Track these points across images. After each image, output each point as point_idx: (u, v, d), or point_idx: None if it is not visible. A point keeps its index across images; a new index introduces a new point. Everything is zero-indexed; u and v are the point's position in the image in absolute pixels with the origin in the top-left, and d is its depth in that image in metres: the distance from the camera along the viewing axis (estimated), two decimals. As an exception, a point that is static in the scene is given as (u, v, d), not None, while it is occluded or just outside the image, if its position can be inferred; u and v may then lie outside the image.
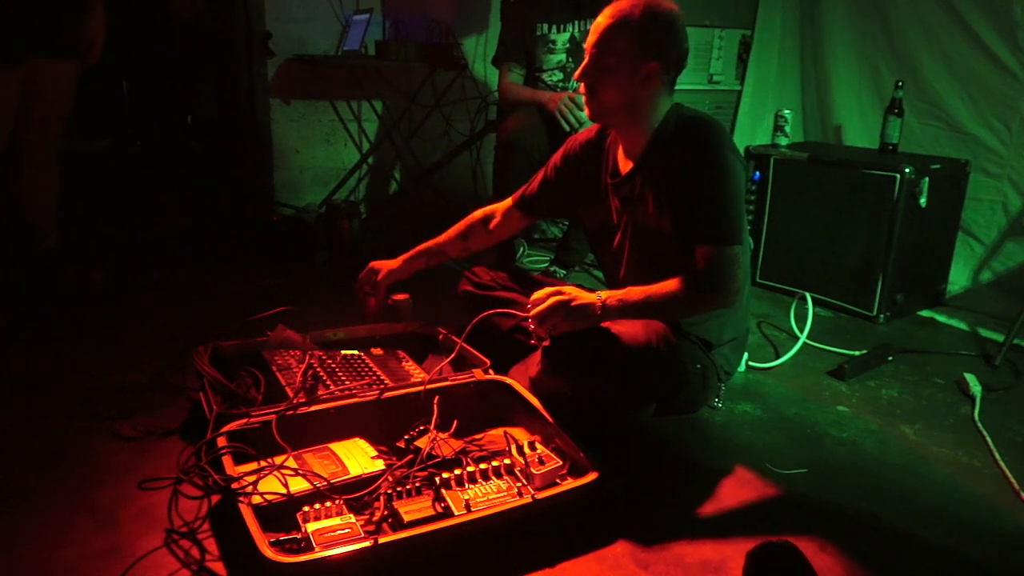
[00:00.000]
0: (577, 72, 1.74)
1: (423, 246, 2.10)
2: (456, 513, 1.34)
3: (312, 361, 1.79)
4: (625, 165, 1.81)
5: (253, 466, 1.43)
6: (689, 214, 1.65)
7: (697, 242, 1.63)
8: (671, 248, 1.70)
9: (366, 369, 1.85)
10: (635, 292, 1.64)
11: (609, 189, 1.85)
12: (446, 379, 1.77)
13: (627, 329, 1.71)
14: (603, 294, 1.63)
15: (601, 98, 1.71)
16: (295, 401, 1.60)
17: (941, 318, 2.79)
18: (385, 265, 2.10)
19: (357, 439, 1.58)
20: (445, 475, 1.42)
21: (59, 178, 2.61)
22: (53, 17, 2.38)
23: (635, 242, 1.81)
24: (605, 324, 1.69)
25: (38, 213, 2.58)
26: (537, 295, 1.64)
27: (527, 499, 1.39)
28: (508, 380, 1.77)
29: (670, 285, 1.63)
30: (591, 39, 1.70)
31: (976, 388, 2.11)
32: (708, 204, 1.63)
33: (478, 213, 2.10)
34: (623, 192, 1.81)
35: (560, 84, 2.90)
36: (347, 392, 1.68)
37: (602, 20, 1.69)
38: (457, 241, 2.09)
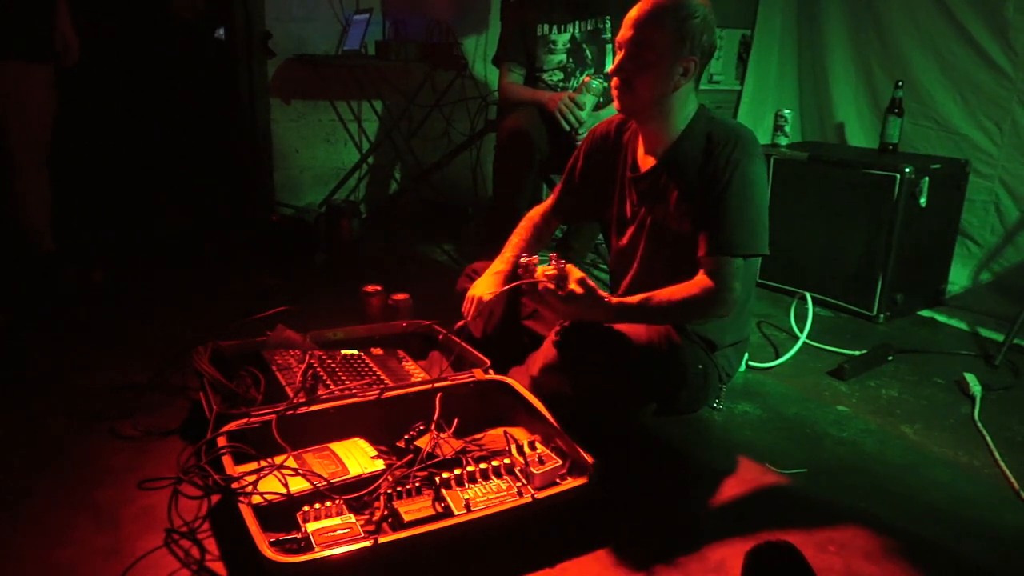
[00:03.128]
0: (612, 67, 1.71)
1: (511, 261, 1.96)
2: (456, 513, 1.34)
3: (312, 361, 1.79)
4: (646, 161, 1.79)
5: (253, 466, 1.43)
6: (711, 225, 1.65)
7: (712, 252, 1.63)
8: (688, 250, 1.70)
9: (366, 369, 1.85)
10: (634, 297, 1.66)
11: (627, 183, 1.84)
12: (446, 379, 1.77)
13: (630, 329, 1.71)
14: (610, 297, 1.64)
15: (638, 93, 1.68)
16: (295, 401, 1.60)
17: (941, 318, 2.79)
18: (484, 289, 1.88)
19: (357, 439, 1.58)
20: (445, 475, 1.42)
21: (49, 181, 2.60)
22: (20, 22, 2.37)
23: (651, 240, 1.80)
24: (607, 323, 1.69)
25: (32, 217, 2.58)
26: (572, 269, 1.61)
27: (527, 499, 1.39)
28: (508, 380, 1.77)
29: (673, 292, 1.64)
30: (627, 33, 1.67)
31: (976, 388, 2.11)
32: (733, 218, 1.63)
33: (536, 216, 2.07)
34: (642, 187, 1.79)
35: (560, 84, 2.90)
36: (347, 392, 1.68)
37: (638, 14, 1.66)
38: (534, 245, 2.05)
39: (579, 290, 1.57)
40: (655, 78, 1.66)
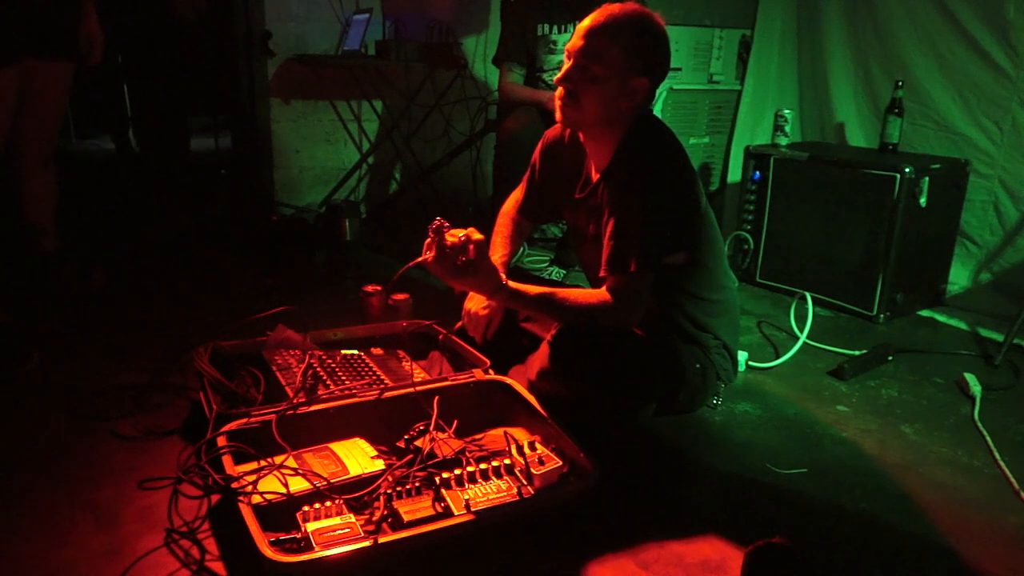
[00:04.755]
0: (558, 76, 1.65)
1: (501, 264, 1.93)
2: (456, 513, 1.35)
3: (312, 361, 1.79)
4: (595, 175, 1.77)
5: (253, 466, 1.43)
6: (607, 243, 1.63)
7: (606, 269, 1.63)
8: None
9: (366, 369, 1.85)
10: (534, 288, 1.64)
11: (580, 197, 1.82)
12: (446, 379, 1.77)
13: (628, 331, 1.71)
14: (510, 283, 1.61)
15: (584, 108, 1.62)
16: (295, 401, 1.60)
17: (941, 318, 2.79)
18: (478, 303, 1.89)
19: (357, 439, 1.58)
20: (445, 475, 1.42)
21: (56, 178, 2.61)
22: (48, 18, 2.38)
23: (601, 250, 1.76)
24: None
25: (37, 214, 2.59)
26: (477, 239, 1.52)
27: (527, 499, 1.39)
28: (508, 380, 1.77)
29: (577, 295, 1.64)
30: (578, 43, 1.60)
31: (976, 388, 2.11)
32: (622, 237, 1.61)
33: (511, 210, 2.04)
34: (590, 203, 1.77)
35: (560, 84, 2.90)
36: (347, 392, 1.68)
37: (591, 24, 1.60)
38: (518, 240, 2.04)
39: (473, 264, 1.51)
40: (601, 94, 1.60)
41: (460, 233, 1.51)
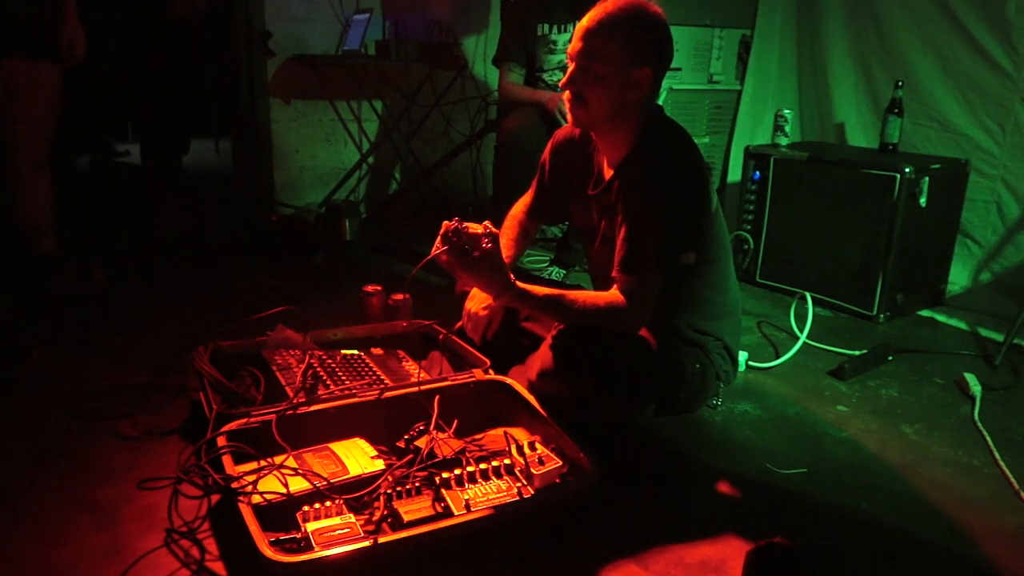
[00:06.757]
0: (563, 80, 1.67)
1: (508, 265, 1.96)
2: (456, 513, 1.35)
3: (312, 361, 1.79)
4: (608, 171, 1.77)
5: (253, 466, 1.43)
6: (619, 243, 1.63)
7: (619, 271, 1.62)
8: None
9: (366, 369, 1.85)
10: (542, 289, 1.64)
11: (593, 194, 1.82)
12: (446, 379, 1.77)
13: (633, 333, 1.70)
14: (517, 282, 1.61)
15: (591, 107, 1.64)
16: (295, 401, 1.60)
17: (941, 318, 2.79)
18: (478, 303, 1.90)
19: (357, 439, 1.58)
20: (445, 475, 1.42)
21: (51, 180, 2.60)
22: (26, 20, 2.37)
23: (612, 249, 1.76)
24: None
25: (33, 216, 2.58)
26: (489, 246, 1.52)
27: (527, 499, 1.39)
28: (508, 380, 1.77)
29: (586, 297, 1.64)
30: (577, 45, 1.62)
31: (976, 388, 2.11)
32: (635, 238, 1.61)
33: (519, 213, 2.04)
34: (603, 200, 1.77)
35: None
36: (347, 392, 1.68)
37: (588, 24, 1.61)
38: (523, 243, 2.05)
39: (488, 256, 1.51)
40: (606, 91, 1.61)
41: (478, 227, 1.51)
